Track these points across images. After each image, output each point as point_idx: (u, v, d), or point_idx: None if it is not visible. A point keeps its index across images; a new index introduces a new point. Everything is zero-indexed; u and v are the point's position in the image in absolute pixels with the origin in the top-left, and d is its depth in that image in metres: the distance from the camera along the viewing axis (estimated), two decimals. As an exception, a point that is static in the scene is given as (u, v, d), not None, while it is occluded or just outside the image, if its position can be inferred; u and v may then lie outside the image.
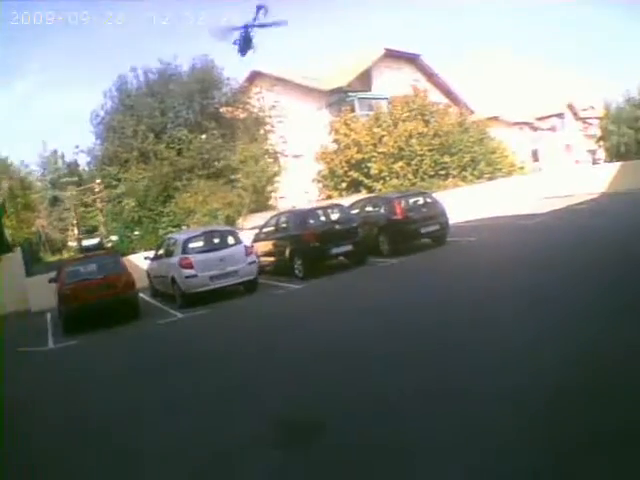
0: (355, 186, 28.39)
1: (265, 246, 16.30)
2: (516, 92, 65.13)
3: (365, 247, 14.97)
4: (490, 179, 27.55)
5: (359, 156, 28.15)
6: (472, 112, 37.60)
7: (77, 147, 30.42)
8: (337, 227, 14.78)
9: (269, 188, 24.44)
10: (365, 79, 37.40)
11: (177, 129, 27.88)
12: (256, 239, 17.04)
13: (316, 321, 9.90)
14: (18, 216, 22.09)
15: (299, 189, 30.43)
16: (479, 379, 5.68)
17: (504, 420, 4.72)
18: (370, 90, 37.26)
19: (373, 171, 27.71)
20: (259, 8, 14.80)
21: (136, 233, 20.57)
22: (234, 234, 14.76)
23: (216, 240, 14.45)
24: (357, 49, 43.36)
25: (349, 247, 14.49)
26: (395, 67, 38.28)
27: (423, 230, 15.41)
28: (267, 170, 24.62)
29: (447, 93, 40.64)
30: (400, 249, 15.23)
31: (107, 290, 12.66)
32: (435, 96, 37.28)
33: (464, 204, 22.94)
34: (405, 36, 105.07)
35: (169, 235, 15.99)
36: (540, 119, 50.68)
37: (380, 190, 26.96)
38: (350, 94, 35.51)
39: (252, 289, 14.17)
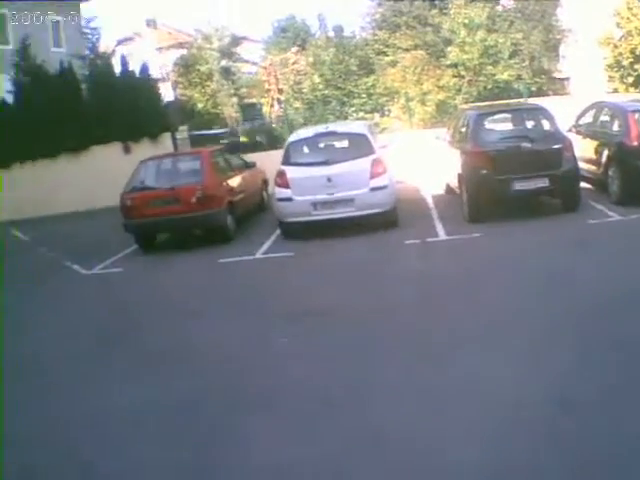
0: (644, 83, 21.93)
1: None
2: None
3: (574, 185, 9.42)
4: None
5: (646, 48, 21.47)
6: None
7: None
8: (526, 146, 9.26)
9: (489, 68, 18.65)
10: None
11: None
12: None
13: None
14: (203, 87, 20.65)
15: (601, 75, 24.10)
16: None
17: None
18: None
19: (662, 68, 21.02)
20: None
21: (301, 121, 17.04)
22: (364, 139, 9.63)
23: (338, 144, 9.81)
24: None
25: (544, 182, 9.09)
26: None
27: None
28: (491, 45, 18.79)
29: None
30: (636, 195, 9.33)
31: (174, 206, 9.50)
32: None
33: None
34: None
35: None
36: None
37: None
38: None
39: (391, 223, 9.58)
